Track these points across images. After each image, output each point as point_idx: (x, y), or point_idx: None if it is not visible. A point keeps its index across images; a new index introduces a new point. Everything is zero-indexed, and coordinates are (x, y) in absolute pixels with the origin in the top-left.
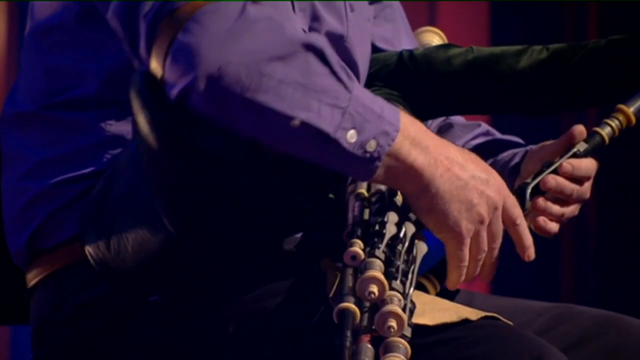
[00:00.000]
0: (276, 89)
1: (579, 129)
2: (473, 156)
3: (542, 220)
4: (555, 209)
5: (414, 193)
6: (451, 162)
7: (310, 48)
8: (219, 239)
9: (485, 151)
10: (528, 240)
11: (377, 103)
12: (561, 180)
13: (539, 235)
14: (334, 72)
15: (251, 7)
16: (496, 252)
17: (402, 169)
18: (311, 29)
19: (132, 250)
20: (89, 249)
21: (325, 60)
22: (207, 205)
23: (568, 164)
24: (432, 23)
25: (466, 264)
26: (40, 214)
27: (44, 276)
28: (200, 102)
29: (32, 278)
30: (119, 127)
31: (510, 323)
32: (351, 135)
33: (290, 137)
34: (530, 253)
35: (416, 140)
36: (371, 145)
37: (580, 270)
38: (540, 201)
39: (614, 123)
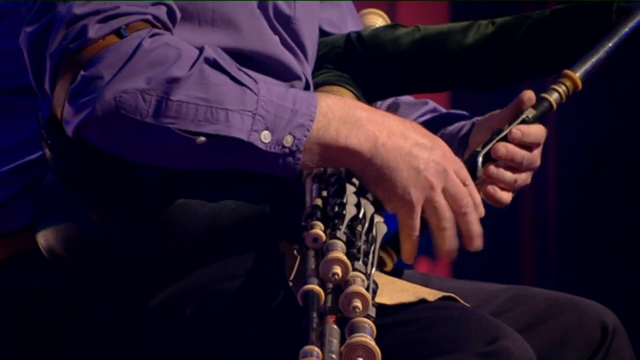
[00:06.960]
0: (178, 110)
1: (528, 95)
2: (415, 125)
3: (491, 188)
4: (508, 176)
5: (359, 168)
6: (391, 133)
7: (204, 61)
8: (170, 223)
9: (433, 126)
10: (478, 197)
11: (288, 97)
12: (512, 148)
13: (499, 215)
14: (233, 79)
15: (147, 41)
16: (471, 216)
17: (336, 151)
18: (260, 7)
19: (73, 240)
20: (40, 238)
21: (221, 69)
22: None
23: (518, 130)
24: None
25: (417, 233)
26: None
27: None
28: (98, 135)
29: None
30: None
31: (468, 305)
32: (265, 136)
33: (201, 153)
34: (481, 210)
35: (345, 118)
36: (288, 141)
37: (540, 255)
38: (492, 168)
39: (562, 89)
